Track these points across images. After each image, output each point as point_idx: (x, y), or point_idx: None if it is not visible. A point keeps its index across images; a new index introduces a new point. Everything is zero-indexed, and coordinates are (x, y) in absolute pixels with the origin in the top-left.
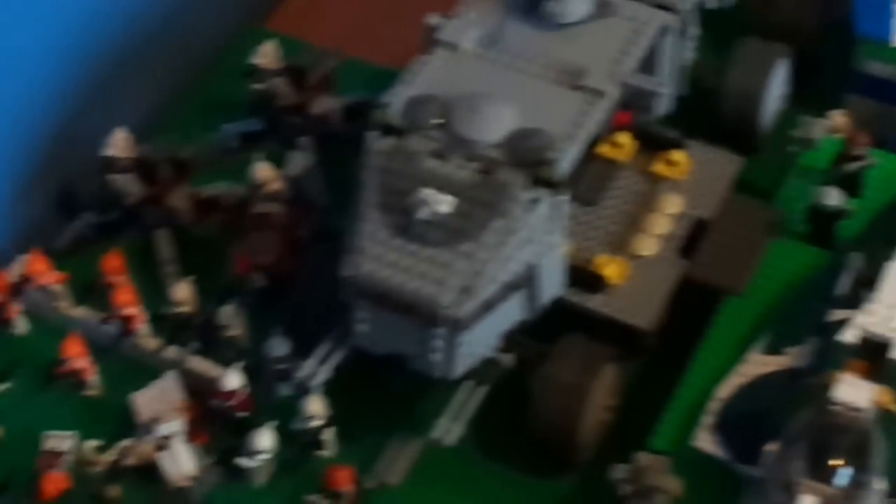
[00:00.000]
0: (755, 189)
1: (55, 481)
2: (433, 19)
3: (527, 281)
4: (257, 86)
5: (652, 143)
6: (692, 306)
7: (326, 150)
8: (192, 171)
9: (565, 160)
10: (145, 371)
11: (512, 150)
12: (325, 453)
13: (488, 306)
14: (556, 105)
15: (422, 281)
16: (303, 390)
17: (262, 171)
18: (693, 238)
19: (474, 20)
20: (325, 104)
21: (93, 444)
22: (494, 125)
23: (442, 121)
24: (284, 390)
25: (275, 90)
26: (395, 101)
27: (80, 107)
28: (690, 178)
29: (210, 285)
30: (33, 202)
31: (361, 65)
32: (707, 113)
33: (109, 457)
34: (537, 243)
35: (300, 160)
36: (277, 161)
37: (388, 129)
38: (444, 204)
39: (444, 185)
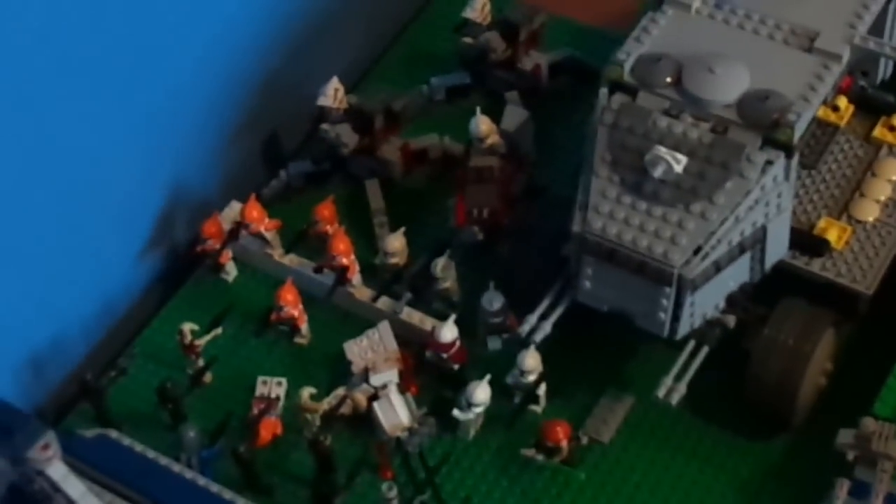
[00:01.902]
0: None
1: (270, 426)
2: None
3: (755, 243)
4: (467, 40)
5: (871, 108)
6: None
7: (531, 106)
8: (404, 124)
9: (801, 123)
10: (355, 321)
11: (746, 111)
12: (537, 408)
13: (718, 267)
14: (789, 67)
15: (653, 239)
16: (516, 344)
17: (483, 124)
18: None
19: None
20: (535, 60)
21: (309, 390)
22: (728, 85)
23: (673, 80)
24: (496, 344)
25: (486, 44)
26: (627, 58)
27: (286, 55)
28: None
29: (419, 238)
30: (240, 149)
31: (564, 22)
32: None
33: (325, 404)
34: (768, 205)
35: (514, 115)
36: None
37: (620, 87)
38: (678, 163)
39: (677, 144)
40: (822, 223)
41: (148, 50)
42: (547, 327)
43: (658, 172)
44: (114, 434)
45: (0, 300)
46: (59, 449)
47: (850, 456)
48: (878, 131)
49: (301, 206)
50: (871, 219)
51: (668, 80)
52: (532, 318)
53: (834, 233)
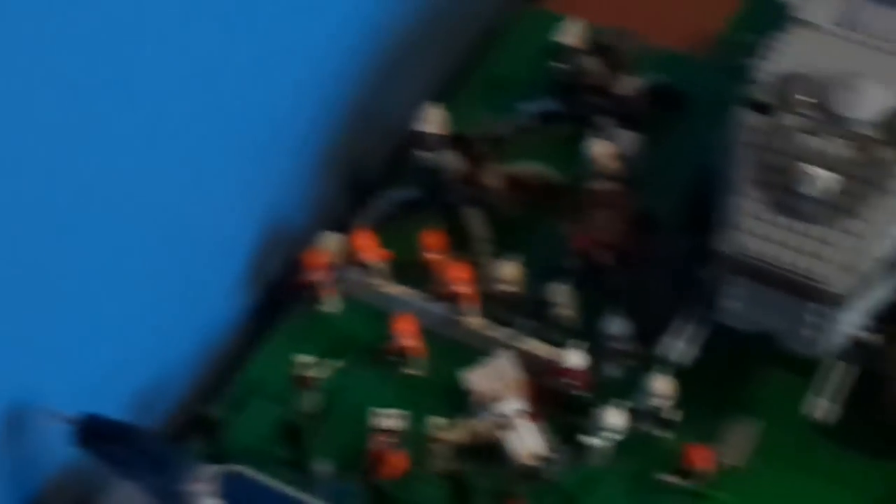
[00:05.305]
0: None
1: (398, 460)
2: None
3: None
4: (560, 64)
5: None
6: None
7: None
8: (502, 150)
9: None
10: (467, 351)
11: (889, 128)
12: (668, 433)
13: (866, 284)
14: None
15: (803, 257)
16: (634, 370)
17: (599, 148)
18: None
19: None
20: (630, 85)
21: (438, 421)
22: (870, 103)
23: (813, 98)
24: (615, 370)
25: (582, 69)
26: (764, 78)
27: (369, 84)
28: None
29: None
30: (328, 179)
31: (643, 47)
32: None
33: (456, 435)
34: None
35: (627, 139)
36: (567, 142)
37: (759, 107)
38: (829, 180)
39: (823, 162)
40: None
41: (245, 83)
42: (692, 352)
43: (811, 191)
44: (243, 469)
45: (108, 335)
46: (213, 483)
47: None
48: None
49: (395, 236)
50: None
51: (807, 98)
52: (675, 342)
53: None
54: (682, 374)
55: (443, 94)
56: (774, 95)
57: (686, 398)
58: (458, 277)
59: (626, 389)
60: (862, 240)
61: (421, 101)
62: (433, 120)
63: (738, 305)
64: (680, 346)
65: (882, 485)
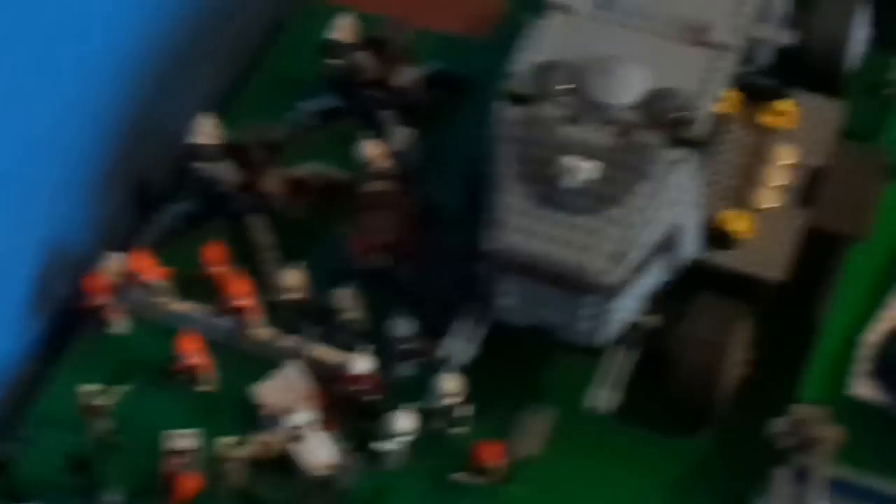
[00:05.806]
0: (851, 133)
1: (190, 481)
2: None
3: (671, 242)
4: (334, 61)
5: (755, 95)
6: (812, 256)
7: (409, 124)
8: (282, 153)
9: (704, 118)
10: (259, 363)
11: (648, 111)
12: (462, 430)
13: (637, 271)
14: (684, 63)
15: (570, 249)
16: (428, 369)
17: (371, 148)
18: (810, 187)
19: None
20: (407, 76)
21: (228, 440)
22: (628, 87)
23: (571, 86)
24: (408, 370)
25: (356, 64)
26: (520, 69)
27: (146, 98)
28: (798, 128)
29: (310, 270)
30: (109, 198)
31: (425, 34)
32: (787, 61)
33: (247, 451)
34: (680, 204)
35: (402, 135)
36: (351, 139)
37: (516, 99)
38: (591, 170)
39: (584, 151)
40: (723, 215)
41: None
42: (471, 349)
43: (568, 182)
44: None
45: None
46: None
47: (786, 443)
48: (766, 118)
49: (181, 251)
50: (770, 206)
51: (565, 87)
52: (454, 342)
53: (737, 224)
54: (471, 371)
55: (226, 100)
56: (532, 86)
57: (477, 394)
58: (241, 291)
59: (418, 390)
60: (629, 228)
61: (205, 110)
62: (207, 130)
63: (512, 302)
64: (462, 344)
65: (675, 464)
